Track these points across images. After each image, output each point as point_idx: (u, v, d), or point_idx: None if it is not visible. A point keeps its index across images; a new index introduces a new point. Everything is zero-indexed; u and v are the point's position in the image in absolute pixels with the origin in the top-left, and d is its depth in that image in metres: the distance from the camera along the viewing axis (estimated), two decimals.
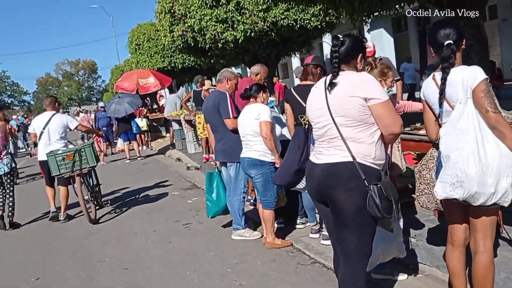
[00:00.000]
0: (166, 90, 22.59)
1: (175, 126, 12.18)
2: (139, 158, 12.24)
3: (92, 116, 17.48)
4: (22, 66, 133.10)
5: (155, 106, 18.43)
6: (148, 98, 20.27)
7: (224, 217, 5.12)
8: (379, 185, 2.29)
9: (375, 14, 8.91)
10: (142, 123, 15.43)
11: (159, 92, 21.84)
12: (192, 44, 13.53)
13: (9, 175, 6.04)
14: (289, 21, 12.40)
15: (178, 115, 11.39)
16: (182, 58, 19.99)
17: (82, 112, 20.42)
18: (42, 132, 6.12)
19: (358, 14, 8.41)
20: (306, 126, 2.75)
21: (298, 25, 12.49)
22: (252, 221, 4.83)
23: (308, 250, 4.01)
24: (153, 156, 12.94)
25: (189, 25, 12.94)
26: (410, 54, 16.23)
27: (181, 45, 14.15)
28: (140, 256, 4.46)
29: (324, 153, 2.42)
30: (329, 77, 2.43)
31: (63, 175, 5.84)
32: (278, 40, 13.30)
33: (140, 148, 13.46)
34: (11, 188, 6.09)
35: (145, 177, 9.25)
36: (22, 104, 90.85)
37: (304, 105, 4.00)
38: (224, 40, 12.96)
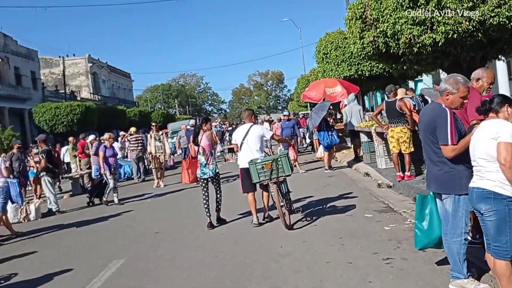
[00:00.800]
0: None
1: (363, 138, 11.44)
2: (326, 170, 11.85)
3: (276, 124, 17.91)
4: (221, 78, 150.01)
5: (339, 116, 17.96)
6: (331, 107, 19.96)
7: (433, 253, 4.24)
8: None
9: None
10: None
11: (342, 101, 21.39)
12: (384, 50, 12.59)
13: (214, 179, 6.89)
14: (501, 18, 10.48)
15: (368, 126, 10.63)
16: (370, 65, 19.10)
17: (266, 121, 21.27)
18: (242, 143, 6.76)
19: None
20: None
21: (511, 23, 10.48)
22: (475, 267, 3.80)
23: None
24: (339, 169, 12.37)
25: (381, 30, 12.04)
26: None
27: (371, 51, 13.31)
28: None
29: None
30: None
31: (262, 182, 6.38)
32: (486, 41, 11.41)
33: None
34: (219, 188, 6.97)
35: (332, 191, 8.78)
36: (220, 111, 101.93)
37: None
38: (420, 44, 11.70)
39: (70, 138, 15.16)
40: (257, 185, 6.62)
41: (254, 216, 6.68)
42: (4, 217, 7.97)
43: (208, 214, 6.84)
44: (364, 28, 12.76)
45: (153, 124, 14.10)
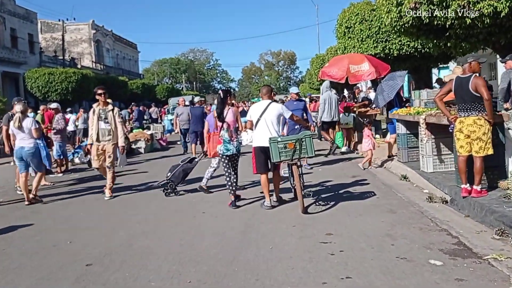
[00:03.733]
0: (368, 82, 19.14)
1: (400, 129, 8.82)
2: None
3: None
4: (231, 55, 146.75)
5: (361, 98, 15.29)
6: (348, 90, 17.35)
7: None
8: None
9: None
10: (348, 119, 12.57)
11: (360, 85, 18.63)
12: (426, 20, 9.94)
13: (235, 156, 6.53)
14: None
15: (411, 114, 8.00)
16: (399, 43, 16.43)
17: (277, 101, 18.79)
18: (259, 120, 6.36)
19: None
20: None
21: None
22: None
23: None
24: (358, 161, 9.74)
25: None
26: None
27: (410, 22, 10.59)
28: None
29: None
30: None
31: (282, 162, 6.12)
32: None
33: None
34: (236, 168, 6.58)
35: (363, 205, 6.26)
36: None
37: None
38: (476, 14, 9.02)
39: (42, 107, 12.62)
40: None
41: (267, 198, 6.34)
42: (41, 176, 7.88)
43: (232, 191, 6.55)
44: None
45: (99, 91, 7.69)
